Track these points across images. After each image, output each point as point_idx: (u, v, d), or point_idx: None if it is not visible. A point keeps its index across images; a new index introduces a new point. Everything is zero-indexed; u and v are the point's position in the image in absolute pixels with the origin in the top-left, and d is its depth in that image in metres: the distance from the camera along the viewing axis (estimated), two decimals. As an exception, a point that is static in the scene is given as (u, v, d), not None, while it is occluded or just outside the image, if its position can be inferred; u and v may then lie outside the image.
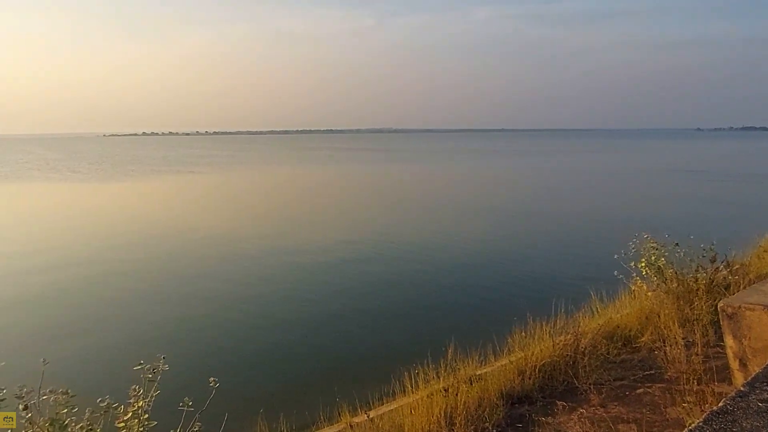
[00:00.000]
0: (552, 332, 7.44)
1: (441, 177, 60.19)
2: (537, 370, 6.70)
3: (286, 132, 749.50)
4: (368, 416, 6.03)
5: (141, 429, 4.36)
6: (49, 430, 3.87)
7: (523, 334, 7.62)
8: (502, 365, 7.19)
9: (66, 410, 4.07)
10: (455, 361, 6.72)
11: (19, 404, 3.88)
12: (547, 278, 16.41)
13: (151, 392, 4.49)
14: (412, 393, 6.33)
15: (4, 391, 4.03)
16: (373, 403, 7.25)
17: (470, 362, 7.00)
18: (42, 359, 4.46)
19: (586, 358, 6.89)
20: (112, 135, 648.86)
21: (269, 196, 42.81)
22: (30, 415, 3.97)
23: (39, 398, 4.10)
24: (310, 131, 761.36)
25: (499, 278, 16.63)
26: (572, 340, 7.21)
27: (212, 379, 4.77)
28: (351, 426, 6.33)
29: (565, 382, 6.68)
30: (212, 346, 11.67)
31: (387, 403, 7.09)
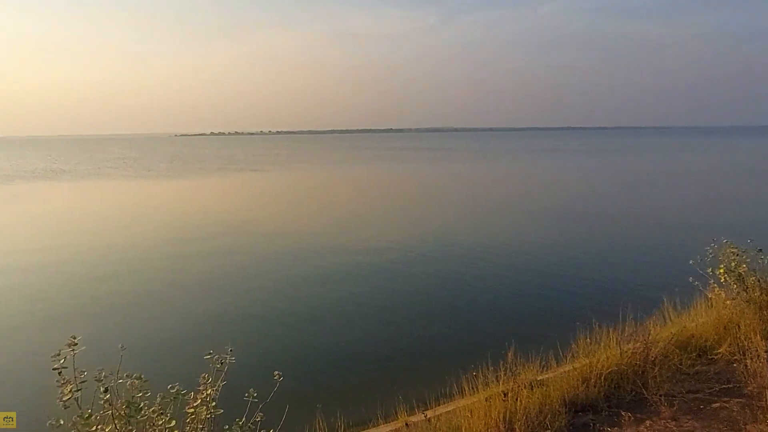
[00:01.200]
0: (619, 339, 7.10)
1: (507, 177, 58.93)
2: (602, 378, 6.42)
3: (347, 131, 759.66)
4: (425, 416, 6.00)
5: (208, 416, 4.55)
6: (126, 412, 4.12)
7: (588, 340, 7.33)
8: (565, 371, 6.95)
9: (141, 394, 4.32)
10: (515, 365, 6.57)
11: (99, 386, 4.14)
12: (615, 282, 15.69)
13: (219, 381, 4.68)
14: (470, 395, 6.24)
15: (85, 373, 4.31)
16: (429, 403, 7.22)
17: (531, 367, 6.82)
18: (120, 345, 4.75)
19: (656, 368, 6.53)
20: (183, 135, 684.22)
21: (330, 194, 43.61)
22: (108, 396, 4.23)
23: (116, 382, 4.37)
24: (371, 130, 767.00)
25: (563, 281, 16.08)
26: (641, 348, 6.85)
27: (276, 372, 4.90)
28: (407, 425, 6.32)
29: (633, 392, 6.37)
30: (275, 340, 12.04)
31: (444, 404, 7.04)
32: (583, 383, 6.39)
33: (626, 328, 7.37)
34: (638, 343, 6.93)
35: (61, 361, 3.98)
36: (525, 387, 6.04)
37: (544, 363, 7.42)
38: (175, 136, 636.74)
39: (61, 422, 4.00)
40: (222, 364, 4.84)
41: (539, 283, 15.99)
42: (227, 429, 4.70)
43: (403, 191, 44.69)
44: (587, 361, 6.80)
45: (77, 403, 3.99)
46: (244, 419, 4.84)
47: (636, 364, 6.67)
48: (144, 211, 33.73)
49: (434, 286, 15.95)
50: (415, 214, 30.91)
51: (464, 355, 9.31)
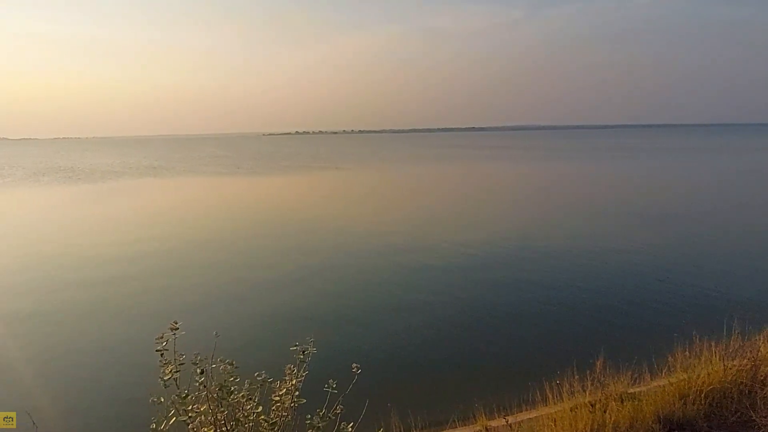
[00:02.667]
0: (723, 355, 6.51)
1: (599, 177, 55.88)
2: (703, 395, 5.91)
3: (427, 130, 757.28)
4: (507, 421, 5.84)
5: (292, 405, 4.72)
6: (218, 394, 4.38)
7: (687, 353, 6.78)
8: (659, 386, 6.48)
9: (232, 379, 4.57)
10: (604, 376, 6.22)
11: (195, 369, 4.43)
12: (719, 292, 14.36)
13: (301, 372, 4.84)
14: (554, 404, 5.99)
15: (183, 357, 4.62)
16: (511, 408, 7.02)
17: (622, 378, 6.42)
18: (214, 332, 5.05)
19: (766, 389, 5.92)
20: (270, 134, 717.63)
21: (416, 192, 43.65)
22: (203, 379, 4.51)
23: (210, 366, 4.65)
24: (452, 129, 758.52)
25: (661, 288, 14.98)
26: (749, 365, 6.24)
27: (354, 365, 4.99)
28: (487, 429, 6.19)
29: (738, 413, 5.80)
30: (356, 334, 12.30)
31: (526, 410, 6.80)
32: (681, 400, 5.92)
33: (731, 342, 6.74)
34: (745, 360, 6.32)
35: (163, 344, 4.29)
36: (614, 399, 5.70)
37: (636, 375, 6.96)
38: (263, 135, 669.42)
39: (161, 400, 4.32)
40: (304, 354, 4.99)
41: (634, 290, 15.03)
42: (309, 418, 4.85)
43: (491, 191, 43.81)
44: (685, 376, 6.30)
45: (176, 383, 4.29)
46: (324, 410, 4.96)
47: (742, 382, 6.09)
48: (235, 206, 35.72)
49: (520, 288, 15.50)
50: (503, 215, 30.23)
51: (548, 361, 8.95)
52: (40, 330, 13.06)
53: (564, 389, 6.18)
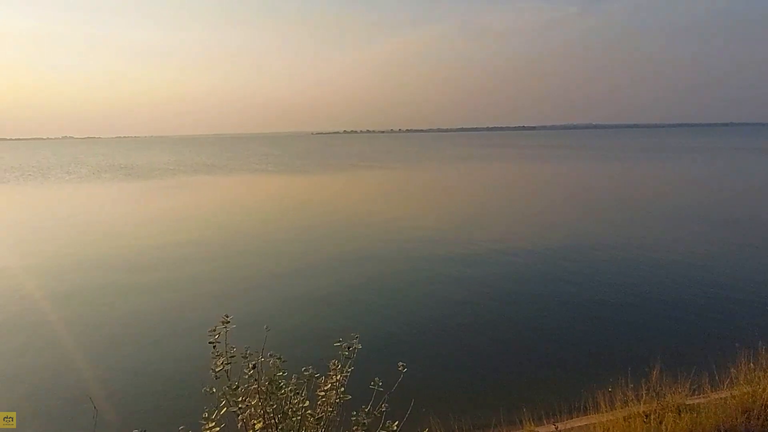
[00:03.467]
0: (793, 368, 6.10)
1: (660, 178, 53.47)
2: (769, 410, 5.56)
3: (476, 129, 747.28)
4: (556, 428, 5.69)
5: (337, 401, 4.76)
6: (268, 388, 4.47)
7: (752, 365, 6.39)
8: (720, 398, 6.14)
9: (280, 373, 4.65)
10: (660, 385, 5.94)
11: (246, 362, 4.54)
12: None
13: (347, 368, 4.87)
14: (606, 412, 5.77)
15: (234, 349, 4.75)
16: (560, 415, 6.81)
17: (679, 389, 6.11)
18: (265, 326, 5.16)
19: (843, 408, 5.49)
20: (319, 133, 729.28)
21: (459, 192, 43.24)
22: (252, 372, 4.61)
23: (259, 360, 4.75)
24: (500, 128, 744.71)
25: (724, 297, 14.17)
26: (822, 381, 5.81)
27: (401, 363, 4.97)
28: (534, 435, 6.04)
29: (811, 433, 5.41)
30: (402, 332, 12.26)
31: (576, 417, 6.59)
32: (744, 414, 5.58)
33: (803, 356, 6.30)
34: (818, 375, 5.89)
35: (216, 336, 4.42)
36: (671, 410, 5.44)
37: (695, 386, 6.62)
38: (312, 134, 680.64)
39: (213, 390, 4.45)
40: (350, 351, 5.01)
41: (695, 297, 14.31)
42: (355, 415, 4.88)
43: (541, 191, 42.84)
44: (749, 389, 5.94)
45: (227, 375, 4.41)
46: (369, 407, 4.98)
47: (814, 399, 5.67)
48: (284, 204, 36.48)
49: (574, 290, 15.04)
50: (556, 215, 29.38)
51: (600, 367, 8.64)
52: (99, 317, 13.75)
53: (617, 397, 5.95)
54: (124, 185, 51.77)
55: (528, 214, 29.94)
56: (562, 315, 13.06)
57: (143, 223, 29.03)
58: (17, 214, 35.20)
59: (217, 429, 4.19)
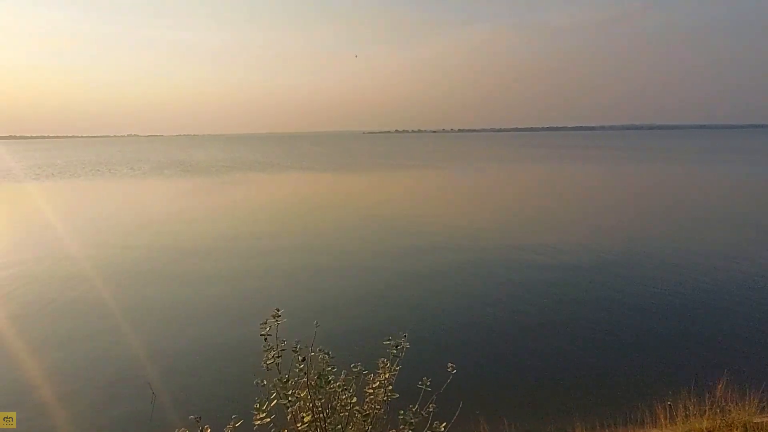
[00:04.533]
0: None
1: (733, 185, 50.42)
2: None
3: (531, 129, 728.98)
4: (609, 439, 5.46)
5: (385, 398, 4.77)
6: (317, 382, 4.53)
7: (831, 384, 5.91)
8: (793, 418, 5.71)
9: (329, 368, 4.70)
10: (725, 401, 5.59)
11: (297, 356, 4.62)
12: None
13: (394, 366, 4.86)
14: (666, 426, 5.48)
15: (284, 343, 4.84)
16: (615, 426, 6.52)
17: (747, 405, 5.73)
18: (315, 322, 5.24)
19: None
20: (370, 132, 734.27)
21: (513, 192, 42.42)
22: (302, 366, 4.69)
23: (309, 354, 4.82)
24: (558, 128, 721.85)
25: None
26: None
27: (450, 364, 4.92)
28: (586, 445, 5.82)
29: None
30: (452, 333, 12.13)
31: (632, 430, 6.30)
32: (822, 436, 5.17)
33: None
34: None
35: (267, 330, 4.52)
36: (737, 427, 5.12)
37: (764, 404, 6.19)
38: (362, 133, 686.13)
39: (264, 383, 4.56)
40: (398, 349, 5.00)
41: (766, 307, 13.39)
42: (402, 413, 4.87)
43: (598, 194, 41.41)
44: (828, 409, 5.50)
45: (277, 368, 4.49)
46: (417, 407, 4.95)
47: None
48: (331, 202, 36.94)
49: (635, 298, 14.41)
50: (618, 221, 28.23)
51: (660, 379, 8.20)
52: (158, 307, 14.41)
53: (678, 411, 5.65)
54: (182, 181, 53.97)
55: (585, 219, 28.92)
56: (619, 321, 12.54)
57: (199, 218, 30.18)
58: (85, 207, 37.40)
59: (268, 419, 4.28)
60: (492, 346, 11.34)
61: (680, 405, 5.65)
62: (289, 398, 4.46)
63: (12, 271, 18.42)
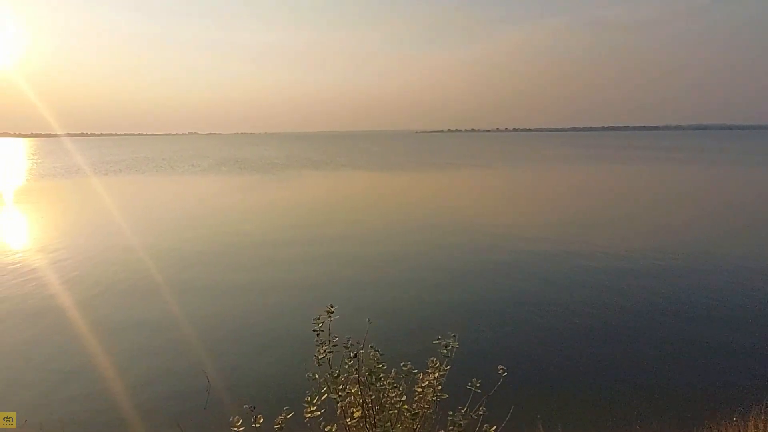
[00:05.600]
0: None
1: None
2: None
3: (590, 128, 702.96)
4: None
5: (434, 398, 4.74)
6: (368, 378, 4.57)
7: None
8: None
9: (380, 365, 4.73)
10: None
11: (349, 352, 4.67)
12: None
13: (444, 366, 4.83)
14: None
15: (336, 338, 4.91)
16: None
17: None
18: (367, 319, 5.28)
19: None
20: (422, 131, 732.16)
21: (569, 194, 41.16)
22: (353, 362, 4.74)
23: (359, 350, 4.87)
24: (617, 128, 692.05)
25: None
26: None
27: (501, 367, 4.83)
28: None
29: None
30: (504, 335, 11.93)
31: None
32: None
33: None
34: None
35: (320, 325, 4.59)
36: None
37: None
38: (415, 132, 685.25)
39: (316, 376, 4.64)
40: (448, 349, 4.96)
41: None
42: (451, 414, 4.83)
43: (663, 198, 39.59)
44: None
45: (328, 363, 4.56)
46: (466, 408, 4.90)
47: None
48: (384, 200, 37.11)
49: (704, 304, 13.72)
50: (687, 223, 26.88)
51: (728, 393, 7.73)
52: (214, 298, 14.95)
53: (749, 429, 5.30)
54: (239, 177, 55.73)
55: (653, 222, 27.46)
56: (684, 330, 11.91)
57: (256, 213, 31.15)
58: (148, 200, 39.33)
59: (318, 413, 4.36)
60: (546, 350, 11.04)
61: (751, 422, 5.31)
62: (340, 393, 4.52)
63: (76, 258, 19.69)
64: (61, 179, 56.52)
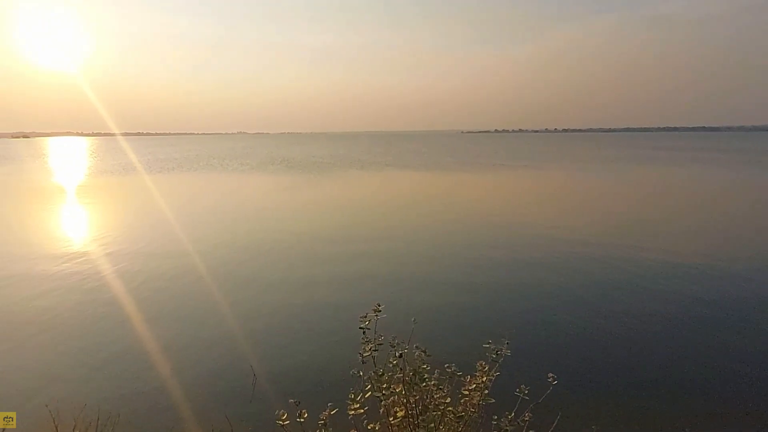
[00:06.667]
0: None
1: None
2: None
3: (645, 129, 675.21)
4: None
5: (481, 402, 4.67)
6: (412, 378, 4.54)
7: None
8: None
9: (425, 366, 4.69)
10: None
11: (394, 351, 4.65)
12: None
13: (493, 371, 4.75)
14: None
15: (382, 337, 4.89)
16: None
17: None
18: (413, 319, 5.25)
19: None
20: (469, 131, 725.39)
21: (624, 197, 39.78)
22: (397, 361, 4.72)
23: (403, 350, 4.84)
24: (676, 129, 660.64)
25: None
26: None
27: (551, 374, 4.71)
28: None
29: None
30: (555, 341, 11.61)
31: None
32: None
33: None
34: None
35: (366, 323, 4.59)
36: None
37: None
38: (462, 132, 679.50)
39: (360, 374, 4.65)
40: (497, 354, 4.88)
41: None
42: (496, 419, 4.74)
43: (729, 204, 37.74)
44: None
45: (373, 361, 4.56)
46: (513, 414, 4.79)
47: None
48: (432, 200, 36.88)
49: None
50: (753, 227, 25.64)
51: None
52: (261, 293, 15.28)
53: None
54: (287, 176, 56.80)
55: (724, 229, 26.12)
56: (755, 346, 11.22)
57: (304, 210, 31.66)
58: (200, 197, 40.68)
59: (361, 411, 4.37)
60: (600, 360, 10.61)
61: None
62: (384, 392, 4.50)
63: (128, 250, 20.59)
64: (118, 176, 59.29)
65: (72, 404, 8.61)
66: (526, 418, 4.82)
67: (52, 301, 14.71)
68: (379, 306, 4.59)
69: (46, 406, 6.99)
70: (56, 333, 12.47)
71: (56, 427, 6.15)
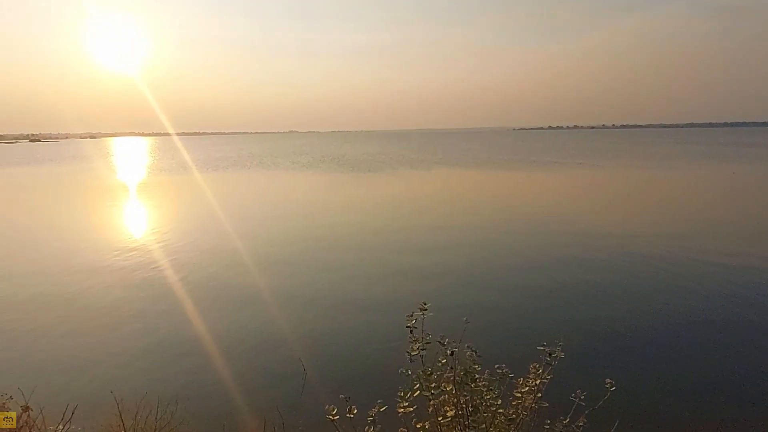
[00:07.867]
0: None
1: None
2: None
3: (709, 124, 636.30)
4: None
5: (533, 405, 4.52)
6: (463, 378, 4.45)
7: None
8: None
9: (475, 366, 4.58)
10: None
11: (445, 350, 4.57)
12: None
13: (546, 374, 4.59)
14: None
15: (430, 336, 4.82)
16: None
17: None
18: (465, 318, 5.16)
19: None
20: (521, 129, 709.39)
21: (682, 198, 37.86)
22: (446, 360, 4.64)
23: (452, 349, 4.75)
24: (743, 123, 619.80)
25: None
26: None
27: (608, 380, 4.50)
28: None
29: None
30: (611, 345, 11.19)
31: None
32: None
33: None
34: None
35: (413, 322, 4.54)
36: None
37: None
38: (513, 129, 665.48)
39: (409, 372, 4.60)
40: (551, 357, 4.72)
41: None
42: (548, 423, 4.59)
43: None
44: None
45: (421, 360, 4.49)
46: (568, 419, 4.62)
47: None
48: (487, 199, 36.30)
49: None
50: None
51: None
52: (311, 289, 15.52)
53: None
54: (338, 174, 57.53)
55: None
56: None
57: (355, 208, 32.04)
58: (253, 194, 41.86)
59: (410, 409, 4.32)
60: (660, 365, 10.13)
61: None
62: (432, 391, 4.44)
63: (183, 244, 21.51)
64: (175, 174, 61.95)
65: (134, 391, 9.03)
66: (581, 424, 4.65)
67: (117, 294, 15.51)
68: (425, 304, 4.52)
69: (111, 392, 7.36)
70: (120, 324, 13.14)
71: (120, 413, 6.48)
